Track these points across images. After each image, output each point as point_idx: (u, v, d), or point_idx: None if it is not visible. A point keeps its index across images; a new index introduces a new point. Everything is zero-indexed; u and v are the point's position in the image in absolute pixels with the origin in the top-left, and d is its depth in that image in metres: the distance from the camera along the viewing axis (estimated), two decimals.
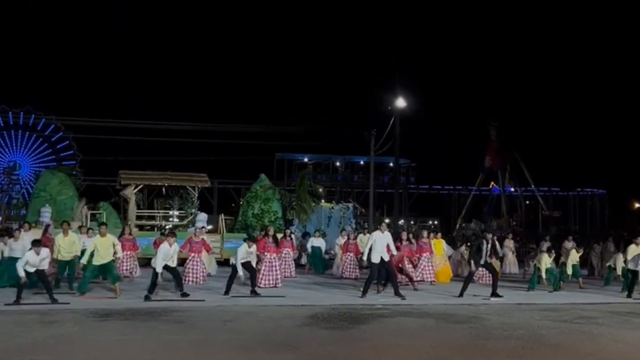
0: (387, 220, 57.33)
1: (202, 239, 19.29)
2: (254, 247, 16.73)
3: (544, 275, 18.45)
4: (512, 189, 59.64)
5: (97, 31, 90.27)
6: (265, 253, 18.15)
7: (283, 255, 20.87)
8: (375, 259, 16.13)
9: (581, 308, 15.19)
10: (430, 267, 19.87)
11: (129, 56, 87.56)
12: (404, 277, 18.05)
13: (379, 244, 16.18)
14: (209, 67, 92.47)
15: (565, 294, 17.92)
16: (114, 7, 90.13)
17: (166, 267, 15.54)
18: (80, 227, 18.85)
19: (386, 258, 16.15)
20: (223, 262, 22.61)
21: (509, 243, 25.31)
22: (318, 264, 23.44)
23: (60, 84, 74.77)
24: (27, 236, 16.58)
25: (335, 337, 10.87)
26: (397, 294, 16.12)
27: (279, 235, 20.95)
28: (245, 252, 16.32)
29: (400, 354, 9.93)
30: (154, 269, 15.38)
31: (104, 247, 15.83)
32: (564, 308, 15.15)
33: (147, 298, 15.06)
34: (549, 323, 12.81)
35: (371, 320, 12.74)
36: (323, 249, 23.72)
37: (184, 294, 15.56)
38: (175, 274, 15.96)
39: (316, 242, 23.64)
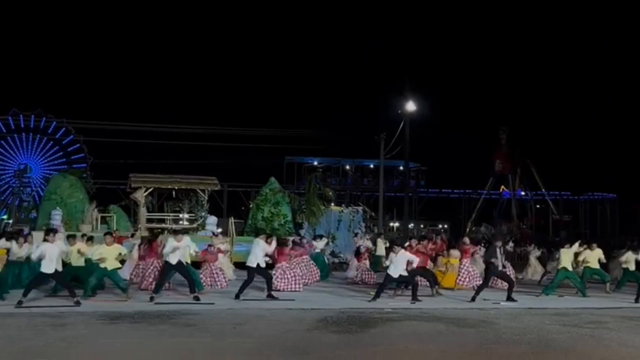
0: (396, 224, 57.50)
1: (218, 248, 19.60)
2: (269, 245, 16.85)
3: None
4: (523, 193, 59.43)
5: (108, 34, 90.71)
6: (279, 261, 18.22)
7: (304, 262, 20.67)
8: (394, 274, 16.25)
9: (591, 313, 15.13)
10: (472, 272, 19.75)
11: (139, 59, 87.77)
12: (422, 280, 18.02)
13: (398, 262, 16.27)
14: (219, 70, 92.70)
15: (576, 299, 17.84)
16: (125, 11, 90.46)
17: (177, 268, 15.62)
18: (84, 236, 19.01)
19: (404, 273, 16.28)
20: (234, 265, 22.56)
21: (534, 251, 25.09)
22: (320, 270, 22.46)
23: (71, 86, 75.12)
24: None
25: (345, 341, 10.86)
26: (414, 298, 16.11)
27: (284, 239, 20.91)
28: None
29: (410, 359, 9.92)
30: (166, 263, 15.61)
31: (111, 255, 15.70)
32: (575, 313, 15.09)
33: (151, 299, 15.11)
34: (559, 328, 12.77)
35: (381, 324, 12.73)
36: (325, 250, 23.28)
37: (196, 297, 15.54)
38: (187, 276, 15.95)
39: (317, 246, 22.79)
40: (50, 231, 15.14)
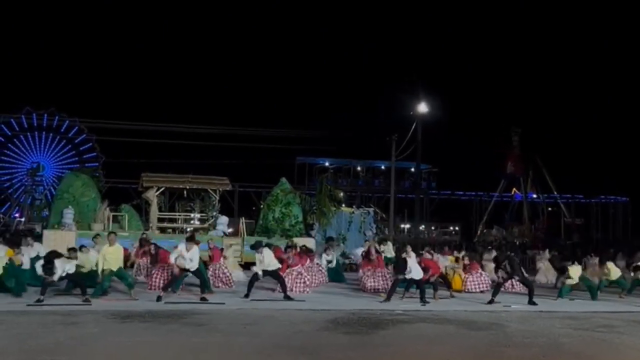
0: (407, 226, 57.39)
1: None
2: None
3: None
4: (535, 196, 59.29)
5: (121, 35, 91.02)
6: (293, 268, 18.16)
7: (315, 267, 20.60)
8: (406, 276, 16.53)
9: (602, 316, 15.05)
10: (480, 277, 19.65)
11: (152, 60, 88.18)
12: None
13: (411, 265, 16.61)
14: (233, 71, 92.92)
15: (587, 303, 17.76)
16: (139, 13, 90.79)
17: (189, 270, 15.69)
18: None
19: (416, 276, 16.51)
20: (243, 266, 22.60)
21: (545, 255, 24.94)
22: (334, 276, 22.10)
23: (85, 86, 75.46)
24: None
25: (355, 343, 10.85)
26: (422, 299, 16.13)
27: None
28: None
29: None
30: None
31: (113, 257, 15.68)
32: (585, 316, 15.02)
33: (158, 298, 15.15)
34: (570, 331, 12.72)
35: (391, 326, 12.71)
36: (334, 262, 23.02)
37: (203, 298, 15.57)
38: (200, 276, 16.01)
39: (328, 257, 22.16)
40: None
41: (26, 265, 16.97)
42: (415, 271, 16.46)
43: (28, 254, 17.39)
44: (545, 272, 24.17)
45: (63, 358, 9.10)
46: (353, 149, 55.61)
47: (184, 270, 15.72)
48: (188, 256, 15.56)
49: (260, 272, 16.50)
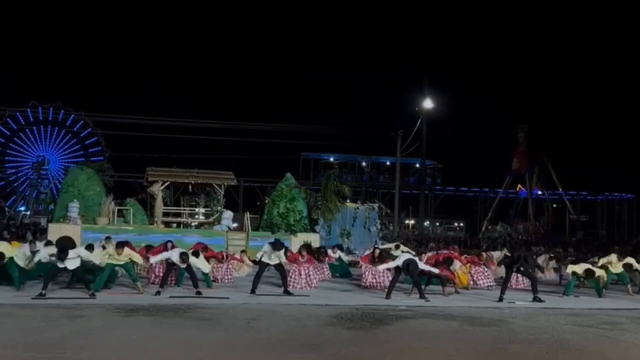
0: (412, 222, 57.38)
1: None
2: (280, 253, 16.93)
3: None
4: (540, 192, 59.17)
5: (128, 28, 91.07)
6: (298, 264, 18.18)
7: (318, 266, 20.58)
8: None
9: (607, 314, 15.02)
10: (485, 272, 19.46)
11: (158, 54, 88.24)
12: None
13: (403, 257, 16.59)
14: (238, 66, 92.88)
15: (592, 300, 17.72)
16: (145, 6, 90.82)
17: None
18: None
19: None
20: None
21: (546, 258, 24.76)
22: (338, 270, 22.27)
23: (90, 80, 75.47)
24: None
25: (359, 338, 10.86)
26: (421, 296, 16.06)
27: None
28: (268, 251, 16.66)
29: (424, 357, 9.90)
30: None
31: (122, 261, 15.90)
32: (590, 313, 14.99)
33: (157, 293, 15.20)
34: (574, 328, 12.70)
35: (395, 322, 12.72)
36: (344, 258, 22.84)
37: (198, 292, 15.58)
38: (190, 271, 16.07)
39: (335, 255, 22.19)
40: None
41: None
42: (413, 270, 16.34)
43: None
44: (546, 269, 24.11)
45: (68, 352, 9.11)
46: (358, 145, 55.60)
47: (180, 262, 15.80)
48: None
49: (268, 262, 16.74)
